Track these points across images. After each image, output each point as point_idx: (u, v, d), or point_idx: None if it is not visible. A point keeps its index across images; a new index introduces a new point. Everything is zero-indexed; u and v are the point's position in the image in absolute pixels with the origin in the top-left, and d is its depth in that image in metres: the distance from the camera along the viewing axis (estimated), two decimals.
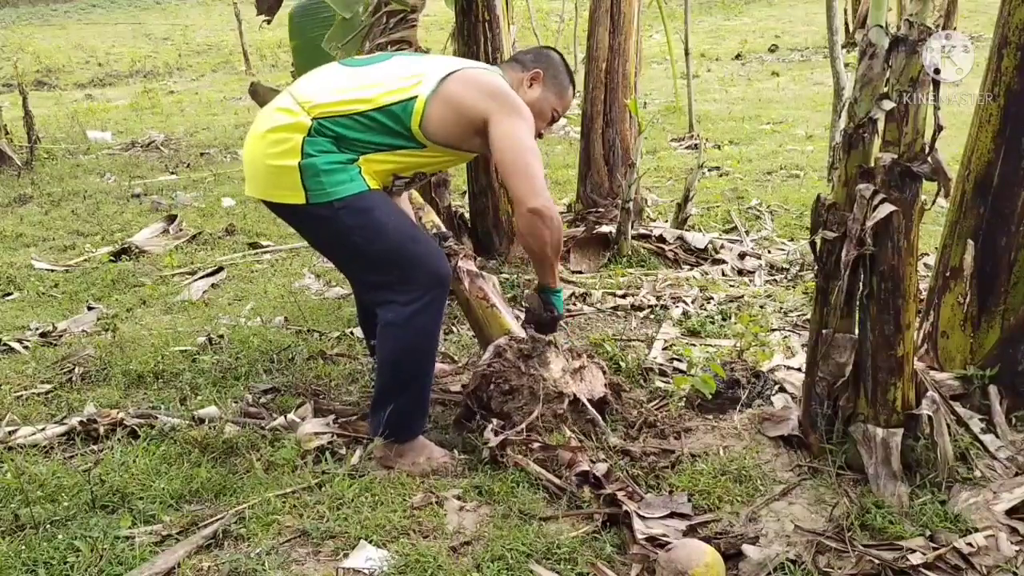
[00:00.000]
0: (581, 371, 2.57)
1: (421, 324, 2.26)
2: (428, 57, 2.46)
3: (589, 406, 2.47)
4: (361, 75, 2.30)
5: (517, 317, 2.73)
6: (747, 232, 4.53)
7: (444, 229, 2.88)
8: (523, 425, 2.37)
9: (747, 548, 1.95)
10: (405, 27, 3.43)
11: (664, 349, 3.09)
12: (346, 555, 2.00)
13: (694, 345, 3.09)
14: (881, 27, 2.02)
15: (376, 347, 2.39)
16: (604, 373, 2.63)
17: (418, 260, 2.25)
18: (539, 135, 2.47)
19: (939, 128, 1.98)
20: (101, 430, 2.57)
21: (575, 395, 2.47)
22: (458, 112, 2.24)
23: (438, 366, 2.96)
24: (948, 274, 2.44)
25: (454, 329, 3.38)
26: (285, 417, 2.60)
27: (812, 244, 2.20)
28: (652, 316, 3.44)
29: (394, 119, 2.21)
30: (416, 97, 2.21)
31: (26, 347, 3.35)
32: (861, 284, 2.10)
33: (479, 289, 2.70)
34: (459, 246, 2.81)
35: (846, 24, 11.49)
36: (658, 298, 3.58)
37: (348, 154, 2.21)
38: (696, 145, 6.69)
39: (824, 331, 2.18)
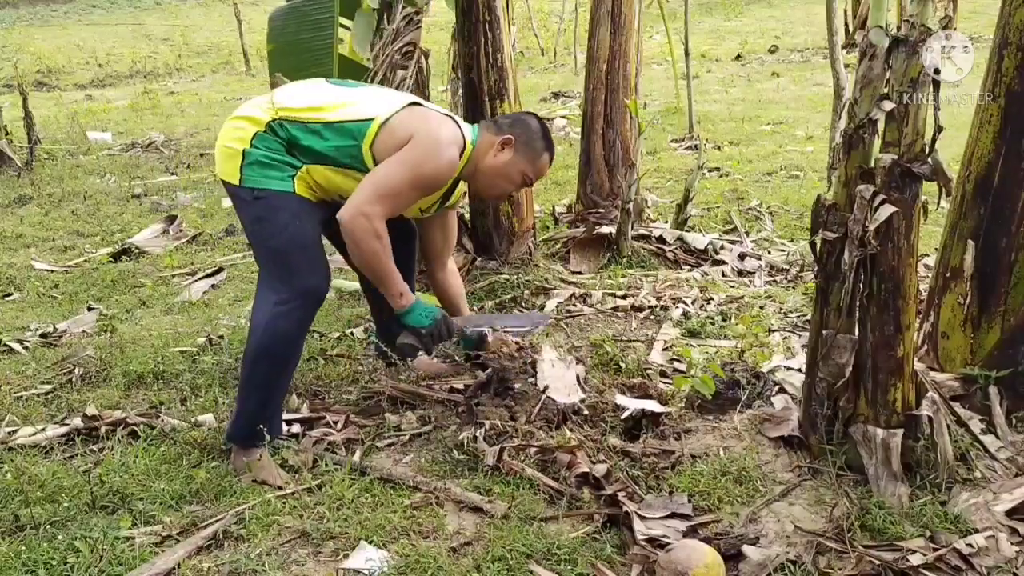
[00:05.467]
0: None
1: (282, 329, 2.32)
2: (404, 94, 2.57)
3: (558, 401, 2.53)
4: (338, 93, 2.42)
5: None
6: (747, 233, 4.53)
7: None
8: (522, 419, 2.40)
9: (747, 549, 1.95)
10: (412, 29, 3.47)
11: (664, 350, 3.08)
12: (346, 556, 2.00)
13: (693, 346, 3.09)
14: (881, 28, 2.02)
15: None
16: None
17: (298, 268, 2.34)
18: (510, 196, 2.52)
19: (939, 129, 1.98)
20: (102, 431, 2.57)
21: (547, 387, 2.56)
22: (395, 139, 2.32)
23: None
24: (948, 275, 2.44)
25: None
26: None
27: (812, 245, 2.20)
28: (652, 317, 3.44)
29: (348, 136, 2.32)
30: (373, 119, 2.32)
31: (26, 348, 3.35)
32: (861, 285, 2.10)
33: None
34: None
35: (846, 25, 11.48)
36: (658, 299, 3.58)
37: (293, 160, 2.33)
38: (696, 146, 6.69)
39: (824, 332, 2.18)
